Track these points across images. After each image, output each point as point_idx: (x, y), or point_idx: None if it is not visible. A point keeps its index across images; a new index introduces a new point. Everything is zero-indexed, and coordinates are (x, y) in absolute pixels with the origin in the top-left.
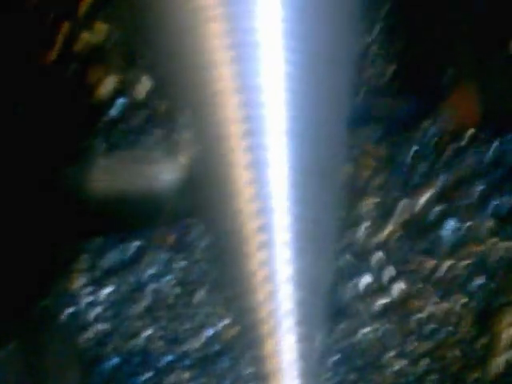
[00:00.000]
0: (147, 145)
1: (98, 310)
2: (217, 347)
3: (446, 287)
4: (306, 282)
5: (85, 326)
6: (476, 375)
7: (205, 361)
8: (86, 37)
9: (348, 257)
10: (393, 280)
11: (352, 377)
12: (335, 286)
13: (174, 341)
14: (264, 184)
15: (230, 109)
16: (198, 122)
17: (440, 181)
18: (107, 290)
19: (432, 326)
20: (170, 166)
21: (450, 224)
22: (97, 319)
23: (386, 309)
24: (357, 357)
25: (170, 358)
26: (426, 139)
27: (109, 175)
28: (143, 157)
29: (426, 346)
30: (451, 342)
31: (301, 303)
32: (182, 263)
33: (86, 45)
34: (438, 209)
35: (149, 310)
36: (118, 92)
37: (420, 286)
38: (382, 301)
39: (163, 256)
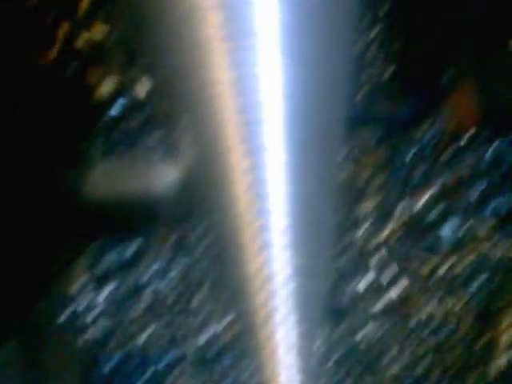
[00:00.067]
0: (147, 146)
1: (98, 310)
2: (217, 347)
3: (446, 287)
4: (306, 283)
5: (84, 327)
6: (476, 375)
7: (205, 361)
8: (86, 37)
9: (348, 257)
10: (393, 280)
11: (352, 376)
12: (335, 286)
13: (174, 341)
14: (263, 186)
15: (228, 112)
16: (197, 124)
17: (440, 181)
18: (107, 290)
19: (432, 326)
20: (169, 168)
21: (450, 224)
22: (96, 320)
23: (386, 309)
24: (357, 356)
25: (169, 358)
26: (425, 140)
27: (108, 177)
28: (143, 159)
29: (426, 346)
30: (451, 342)
31: (300, 303)
32: (182, 264)
33: (86, 44)
34: (437, 209)
35: (148, 310)
36: (118, 92)
37: (420, 285)
38: (382, 301)
39: (163, 257)
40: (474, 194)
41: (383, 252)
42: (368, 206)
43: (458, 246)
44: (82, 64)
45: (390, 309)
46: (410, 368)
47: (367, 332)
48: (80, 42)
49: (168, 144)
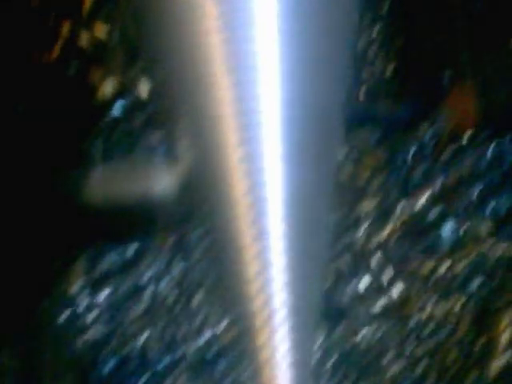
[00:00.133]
0: (147, 147)
1: (97, 312)
2: (214, 350)
3: (445, 287)
4: (302, 289)
5: (83, 329)
6: (475, 376)
7: (202, 363)
8: (87, 37)
9: (348, 257)
10: (392, 280)
11: (351, 377)
12: (335, 286)
13: (172, 343)
14: (262, 190)
15: (227, 117)
16: (196, 126)
17: (439, 181)
18: (105, 292)
19: (431, 326)
20: (168, 170)
21: (449, 224)
22: (95, 322)
23: (386, 309)
24: (356, 357)
25: (168, 359)
26: (425, 140)
27: (108, 180)
28: (142, 161)
29: (426, 346)
30: (450, 343)
31: (296, 310)
32: (180, 266)
33: (87, 45)
34: (437, 209)
35: (147, 312)
36: (119, 93)
37: (419, 286)
38: (382, 301)
39: (161, 259)
40: (473, 194)
41: (383, 252)
42: (368, 206)
43: (457, 245)
44: (84, 63)
45: (390, 309)
46: (409, 368)
47: (366, 333)
48: (82, 41)
49: (168, 145)
